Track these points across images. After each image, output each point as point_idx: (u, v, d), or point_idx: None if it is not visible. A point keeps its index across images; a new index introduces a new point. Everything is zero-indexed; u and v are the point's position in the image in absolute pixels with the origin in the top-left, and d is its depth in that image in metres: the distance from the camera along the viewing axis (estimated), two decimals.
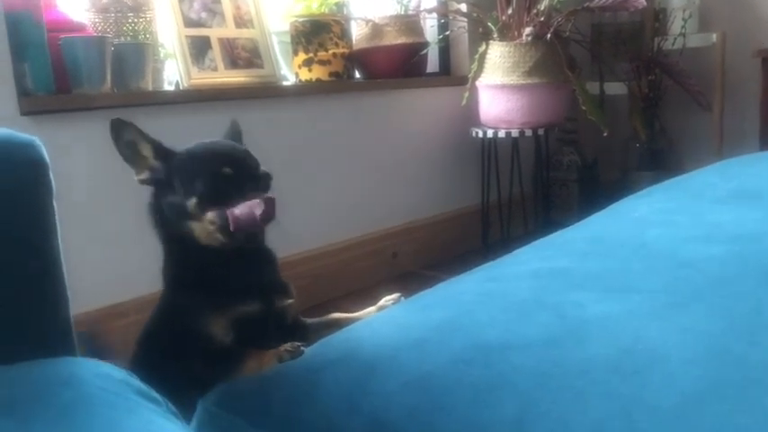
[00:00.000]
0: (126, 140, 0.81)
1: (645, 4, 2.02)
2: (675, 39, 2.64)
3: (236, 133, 0.90)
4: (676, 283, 0.71)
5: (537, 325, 0.66)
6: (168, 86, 1.96)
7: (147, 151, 0.82)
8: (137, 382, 0.56)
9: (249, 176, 0.76)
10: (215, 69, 2.05)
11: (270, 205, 0.73)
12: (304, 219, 2.11)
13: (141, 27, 1.80)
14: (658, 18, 2.73)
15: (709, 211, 0.98)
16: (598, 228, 1.00)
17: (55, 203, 0.63)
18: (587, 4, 2.10)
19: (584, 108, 2.14)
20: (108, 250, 1.68)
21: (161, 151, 0.82)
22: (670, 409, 0.52)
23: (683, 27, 2.64)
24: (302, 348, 0.70)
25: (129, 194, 1.72)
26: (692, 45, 2.67)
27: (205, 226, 0.76)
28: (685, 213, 0.98)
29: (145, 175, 0.82)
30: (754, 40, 2.70)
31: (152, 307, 1.70)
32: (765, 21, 2.78)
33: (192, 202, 0.76)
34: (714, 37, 2.64)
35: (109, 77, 1.61)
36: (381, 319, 0.76)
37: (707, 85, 2.66)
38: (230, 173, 0.75)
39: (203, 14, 2.09)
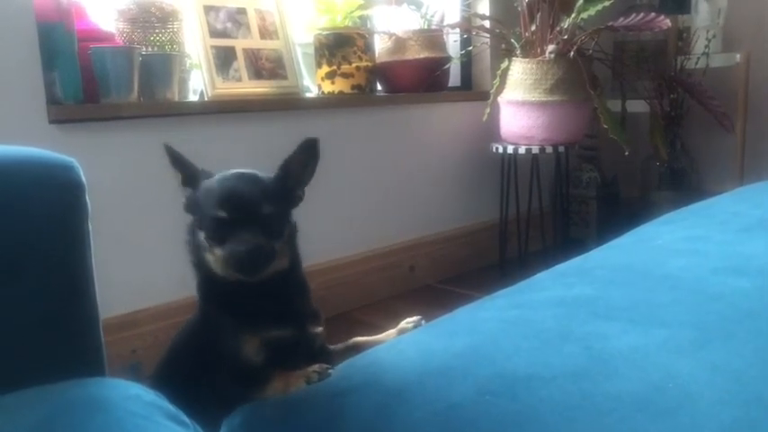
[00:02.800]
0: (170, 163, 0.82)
1: (669, 24, 2.01)
2: (699, 58, 2.63)
3: (307, 150, 0.89)
4: (705, 318, 0.70)
5: (563, 356, 0.65)
6: (193, 96, 1.98)
7: (179, 177, 0.82)
8: (166, 404, 0.57)
9: (245, 219, 0.76)
10: (239, 80, 2.07)
11: (253, 252, 0.74)
12: (323, 230, 2.12)
13: (168, 37, 1.83)
14: (682, 37, 2.72)
15: (737, 241, 0.97)
16: (621, 254, 0.99)
17: (90, 224, 0.64)
18: (611, 23, 2.10)
19: (605, 126, 2.13)
20: (129, 259, 1.69)
21: (189, 179, 0.82)
22: None
23: (706, 47, 2.63)
24: (330, 371, 0.70)
25: (152, 204, 1.75)
26: (716, 65, 2.66)
27: (216, 260, 0.77)
28: (711, 242, 0.98)
29: (183, 201, 0.82)
30: None
31: (170, 315, 1.72)
32: None
33: (203, 236, 0.78)
34: (738, 57, 2.62)
35: (136, 87, 1.63)
36: (405, 344, 0.76)
37: (729, 106, 2.64)
38: (224, 216, 0.75)
39: (228, 25, 2.11)
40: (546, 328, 0.72)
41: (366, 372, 0.70)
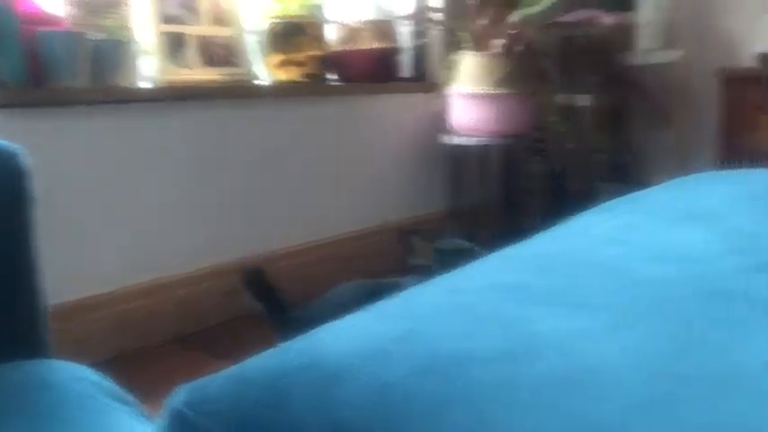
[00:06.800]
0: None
1: (612, 21, 2.08)
2: (642, 54, 2.72)
3: None
4: (625, 302, 0.75)
5: (493, 339, 0.69)
6: (144, 82, 1.97)
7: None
8: (111, 384, 0.59)
9: None
10: (191, 66, 2.07)
11: None
12: (275, 218, 2.14)
13: (118, 23, 1.81)
14: (625, 33, 2.81)
15: (663, 231, 1.02)
16: (555, 243, 1.04)
17: (35, 212, 0.65)
18: (557, 19, 2.16)
19: (551, 120, 2.20)
20: (78, 246, 1.68)
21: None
22: (609, 423, 0.56)
23: (648, 44, 2.72)
24: None
25: (102, 191, 1.74)
26: (657, 61, 2.75)
27: None
28: (640, 232, 1.03)
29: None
30: (714, 59, 2.79)
31: (120, 302, 1.72)
32: (724, 41, 2.87)
33: None
34: (678, 54, 2.72)
35: (86, 73, 1.61)
36: (344, 328, 0.78)
37: (671, 100, 2.74)
38: None
39: (181, 11, 2.10)
40: (479, 312, 0.76)
41: (308, 353, 0.72)
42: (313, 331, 0.79)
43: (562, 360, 0.64)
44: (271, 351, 0.75)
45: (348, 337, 0.74)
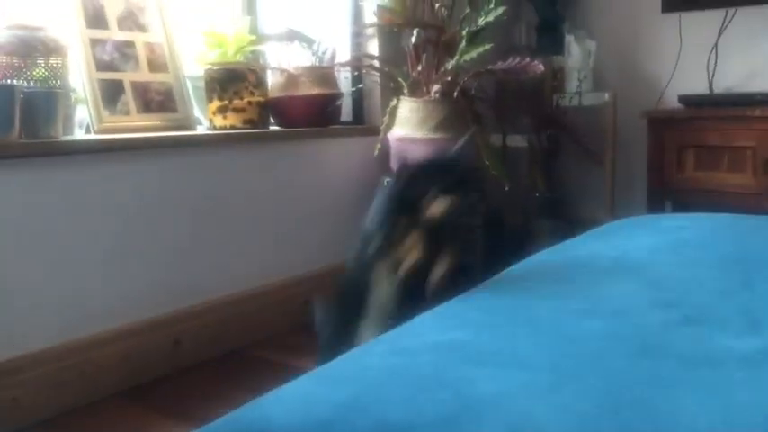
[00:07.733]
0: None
1: (543, 69, 2.17)
2: (572, 97, 2.84)
3: None
4: (560, 361, 0.79)
5: (435, 403, 0.71)
6: (79, 131, 1.94)
7: None
8: None
9: None
10: (127, 113, 2.05)
11: None
12: (216, 265, 2.12)
13: (51, 72, 1.79)
14: (556, 77, 2.93)
15: (594, 284, 1.07)
16: (493, 298, 1.07)
17: None
18: (491, 66, 2.24)
19: (487, 162, 2.26)
20: (6, 304, 1.63)
21: None
22: None
23: (578, 86, 2.84)
24: None
25: (33, 248, 1.69)
26: (587, 103, 2.88)
27: None
28: (572, 284, 1.08)
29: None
30: (641, 101, 2.94)
31: (52, 360, 1.67)
32: (650, 84, 3.03)
33: None
34: (606, 96, 2.85)
35: (17, 126, 1.58)
36: (291, 394, 0.80)
37: (601, 140, 2.86)
38: None
39: (116, 56, 2.09)
40: (422, 374, 0.78)
41: (255, 426, 0.73)
42: (262, 397, 0.80)
43: (502, 423, 0.67)
44: (220, 421, 0.75)
45: (293, 407, 0.75)
